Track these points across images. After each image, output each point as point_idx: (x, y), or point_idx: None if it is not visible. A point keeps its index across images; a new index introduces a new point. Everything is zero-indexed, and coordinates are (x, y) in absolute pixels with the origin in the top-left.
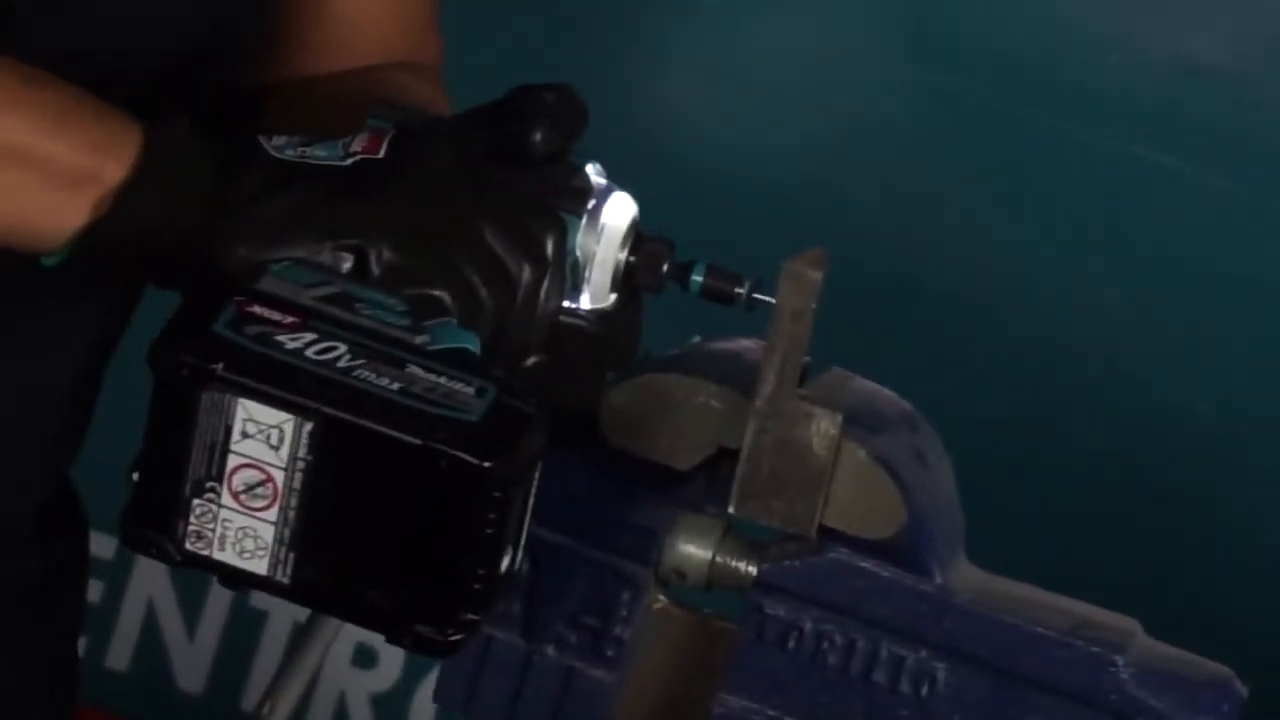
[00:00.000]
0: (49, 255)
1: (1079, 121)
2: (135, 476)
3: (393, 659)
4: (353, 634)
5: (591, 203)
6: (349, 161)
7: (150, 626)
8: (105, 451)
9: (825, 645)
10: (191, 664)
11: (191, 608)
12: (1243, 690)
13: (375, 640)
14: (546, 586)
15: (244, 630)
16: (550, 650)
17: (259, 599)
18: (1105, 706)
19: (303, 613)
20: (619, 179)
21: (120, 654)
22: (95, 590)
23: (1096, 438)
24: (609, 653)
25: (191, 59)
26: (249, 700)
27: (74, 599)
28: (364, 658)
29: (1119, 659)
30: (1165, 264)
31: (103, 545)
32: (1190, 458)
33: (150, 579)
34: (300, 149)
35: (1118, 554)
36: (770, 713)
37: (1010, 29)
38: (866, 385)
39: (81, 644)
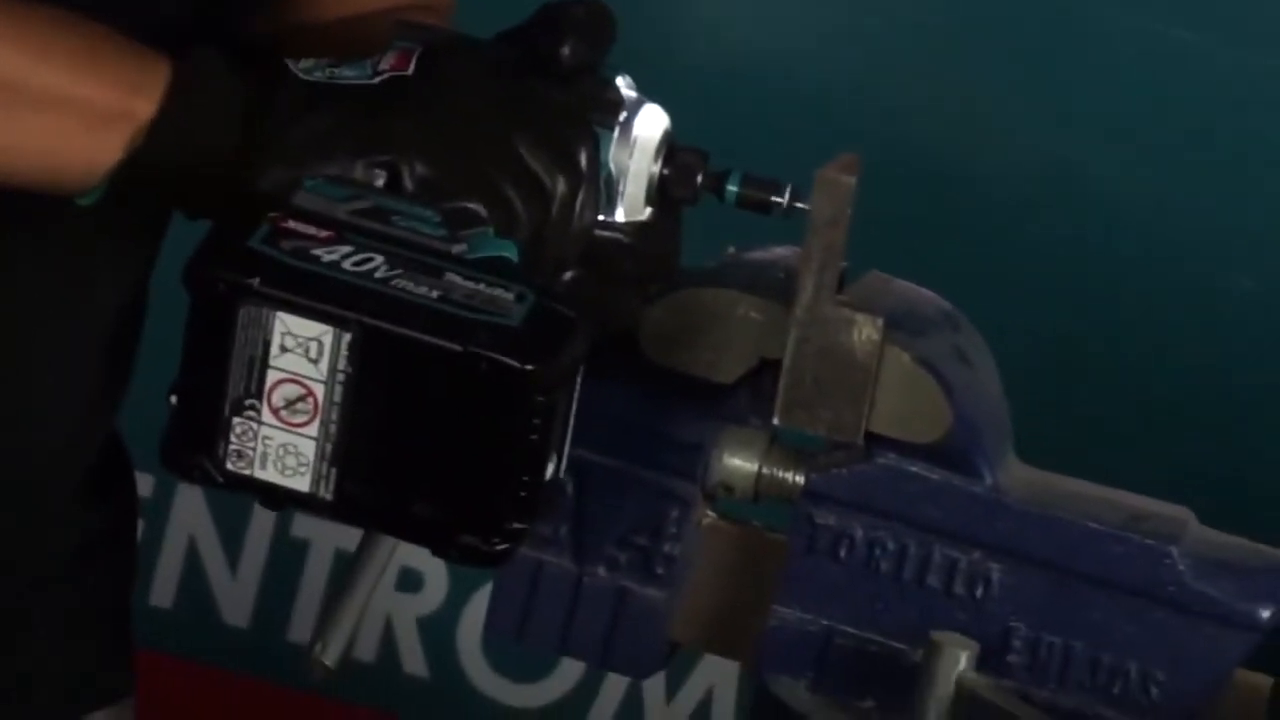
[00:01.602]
0: (83, 195)
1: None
2: (174, 400)
3: (438, 582)
4: (397, 557)
5: (623, 115)
6: (378, 80)
7: (192, 562)
8: (139, 392)
9: (877, 552)
10: (236, 598)
11: (233, 542)
12: None
13: (420, 562)
14: (594, 508)
15: (286, 561)
16: (601, 572)
17: (299, 528)
18: (1164, 599)
19: (344, 540)
20: (648, 91)
21: (164, 592)
22: None
23: (1139, 321)
24: (660, 571)
25: (205, 5)
26: (295, 631)
27: (126, 553)
28: (409, 581)
29: (1174, 550)
30: (1199, 139)
31: (141, 483)
32: (1230, 333)
33: (190, 515)
34: (329, 70)
35: (1165, 436)
36: (824, 622)
37: None
38: (906, 287)
39: None
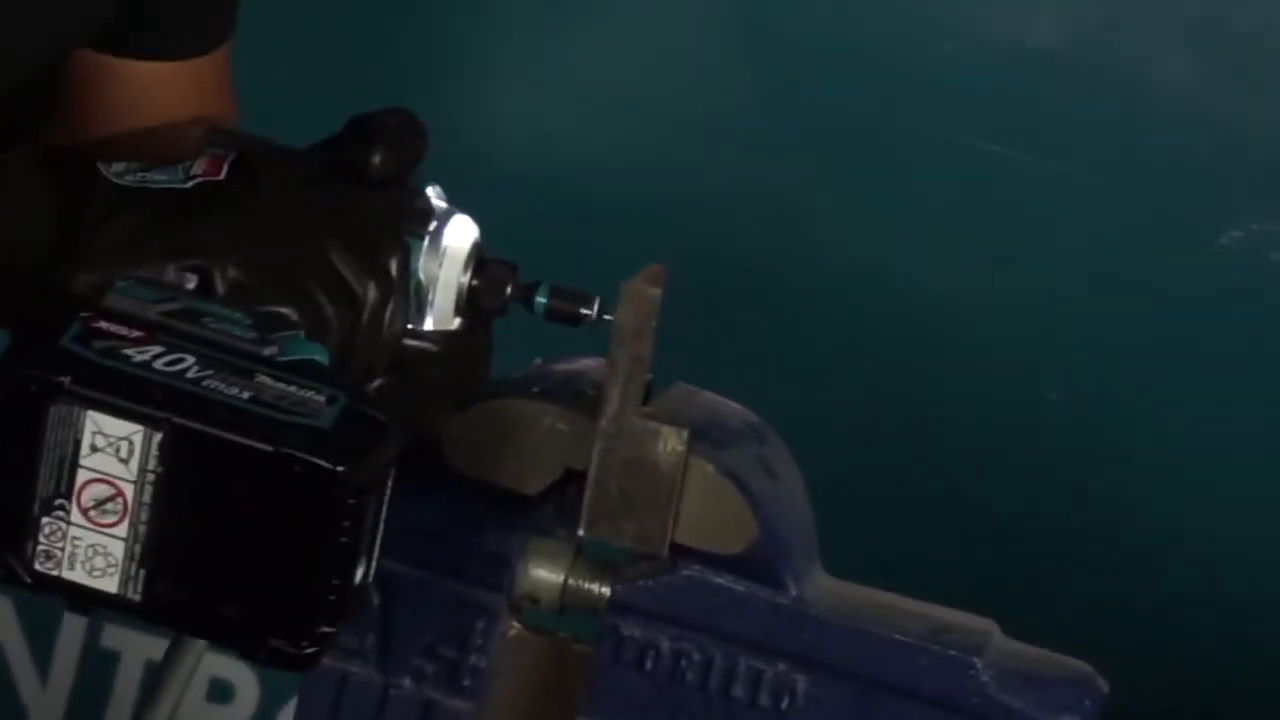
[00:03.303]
0: None
1: (916, 114)
2: None
3: (249, 691)
4: (208, 667)
5: (433, 225)
6: (190, 184)
7: (1, 672)
8: None
9: (683, 663)
10: (46, 708)
11: (42, 651)
12: (1103, 686)
13: (231, 673)
14: (400, 619)
15: (97, 672)
16: (407, 683)
17: (109, 638)
18: (967, 710)
19: (154, 651)
20: (458, 199)
21: None
22: None
23: (949, 433)
24: (466, 682)
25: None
26: None
27: None
28: (220, 692)
29: (978, 661)
30: (1006, 250)
31: None
32: (1040, 447)
33: None
34: (140, 174)
35: (977, 549)
36: None
37: (842, 23)
38: (712, 399)
39: None
